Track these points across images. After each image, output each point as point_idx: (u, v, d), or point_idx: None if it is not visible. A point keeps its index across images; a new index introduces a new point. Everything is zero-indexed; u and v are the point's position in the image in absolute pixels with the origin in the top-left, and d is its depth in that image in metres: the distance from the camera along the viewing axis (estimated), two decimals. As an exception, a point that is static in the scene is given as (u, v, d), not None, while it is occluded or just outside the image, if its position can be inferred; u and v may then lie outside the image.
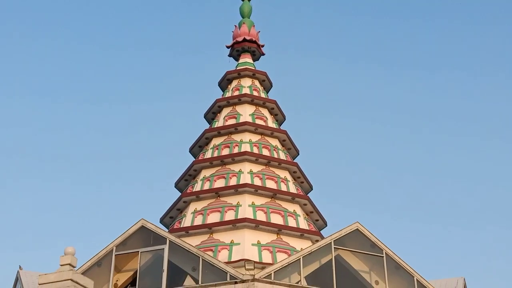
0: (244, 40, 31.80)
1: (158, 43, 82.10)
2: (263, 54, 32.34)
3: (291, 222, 25.49)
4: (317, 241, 23.09)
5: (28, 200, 72.68)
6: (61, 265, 17.40)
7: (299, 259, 20.83)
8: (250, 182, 26.03)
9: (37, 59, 76.17)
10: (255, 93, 30.13)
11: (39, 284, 17.27)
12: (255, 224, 24.42)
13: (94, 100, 76.23)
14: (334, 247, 21.37)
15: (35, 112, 71.16)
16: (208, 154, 28.30)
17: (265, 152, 27.87)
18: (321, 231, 26.70)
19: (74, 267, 17.69)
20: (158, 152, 72.76)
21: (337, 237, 21.57)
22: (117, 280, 21.76)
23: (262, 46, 32.29)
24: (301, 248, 22.24)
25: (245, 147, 27.58)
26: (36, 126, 70.90)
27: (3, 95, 71.84)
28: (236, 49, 32.10)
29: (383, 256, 21.79)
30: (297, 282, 20.33)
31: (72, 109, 74.13)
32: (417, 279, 21.58)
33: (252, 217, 24.71)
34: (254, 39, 31.96)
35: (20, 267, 23.42)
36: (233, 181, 26.34)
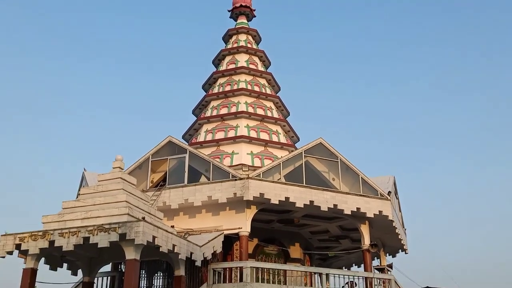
0: (241, 5, 31.52)
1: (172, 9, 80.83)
2: (255, 16, 32.04)
3: (275, 138, 26.11)
4: (292, 151, 23.73)
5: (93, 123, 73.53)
6: (113, 168, 17.67)
7: (280, 163, 21.55)
8: (245, 110, 26.46)
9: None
10: (248, 45, 30.18)
11: (98, 181, 17.68)
12: (249, 140, 25.06)
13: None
14: (304, 155, 22.08)
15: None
16: (215, 90, 28.59)
17: (256, 88, 28.17)
18: (295, 144, 27.38)
19: (122, 169, 17.89)
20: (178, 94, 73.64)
21: (306, 148, 22.25)
22: (152, 179, 22.41)
23: (254, 10, 31.94)
24: (281, 156, 22.89)
25: (242, 85, 27.87)
26: None
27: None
28: (235, 12, 31.80)
29: (338, 161, 22.57)
30: (278, 179, 21.13)
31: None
32: (361, 177, 22.45)
33: (247, 135, 25.33)
34: (248, 5, 31.64)
35: (84, 169, 23.96)
36: (233, 109, 26.74)
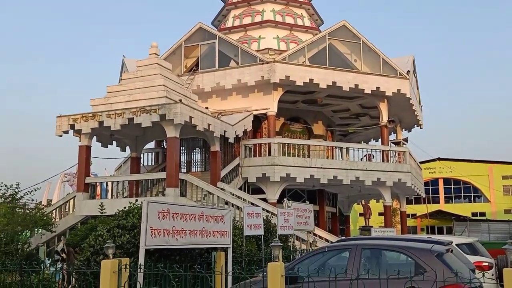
0: None
1: None
2: None
3: (299, 22, 25.19)
4: (316, 34, 23.08)
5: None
6: (150, 54, 17.72)
7: (304, 47, 21.13)
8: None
9: None
10: None
11: (137, 67, 17.85)
12: (275, 24, 24.28)
13: None
14: (328, 38, 21.51)
15: None
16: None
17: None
18: (319, 28, 26.49)
19: (158, 55, 17.95)
20: None
21: (330, 31, 21.59)
22: (186, 64, 22.46)
23: None
24: (306, 40, 22.33)
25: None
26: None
27: None
28: None
29: (360, 43, 21.94)
30: (303, 62, 20.87)
31: None
32: (382, 57, 21.93)
33: (273, 19, 24.50)
34: None
35: (124, 56, 24.08)
36: (259, -5, 25.56)
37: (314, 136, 23.98)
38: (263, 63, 20.01)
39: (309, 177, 19.48)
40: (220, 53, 21.10)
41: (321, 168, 19.72)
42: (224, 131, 17.64)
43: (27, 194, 15.35)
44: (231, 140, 18.47)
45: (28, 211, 15.06)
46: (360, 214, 41.29)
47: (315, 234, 16.29)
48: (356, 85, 20.82)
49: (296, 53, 20.86)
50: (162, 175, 16.69)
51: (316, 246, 14.62)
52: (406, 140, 25.90)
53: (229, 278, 8.14)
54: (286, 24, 24.49)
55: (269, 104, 20.44)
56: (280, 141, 19.78)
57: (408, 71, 22.41)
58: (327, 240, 16.34)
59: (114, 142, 19.44)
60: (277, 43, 23.79)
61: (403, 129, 27.62)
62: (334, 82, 20.48)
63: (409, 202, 31.67)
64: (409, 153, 22.37)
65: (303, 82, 20.05)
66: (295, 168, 19.23)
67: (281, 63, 19.93)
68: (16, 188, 14.92)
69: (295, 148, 19.99)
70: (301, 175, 19.27)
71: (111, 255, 7.06)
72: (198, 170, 22.01)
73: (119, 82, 19.26)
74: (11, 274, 8.80)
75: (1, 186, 14.87)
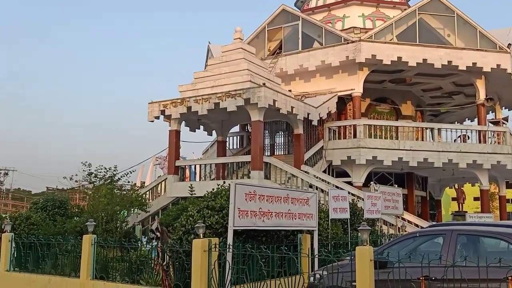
0: None
1: None
2: None
3: (386, -3, 24.10)
4: (405, 9, 21.99)
5: None
6: (234, 39, 18.03)
7: (392, 23, 20.25)
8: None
9: None
10: None
11: (222, 52, 18.24)
12: (360, 1, 23.42)
13: None
14: (418, 13, 20.41)
15: None
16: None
17: None
18: (408, 2, 25.15)
19: (242, 39, 18.22)
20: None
21: (421, 5, 20.44)
22: (269, 47, 22.51)
23: None
24: (393, 16, 21.38)
25: None
26: None
27: None
28: None
29: (454, 16, 20.55)
30: (390, 40, 20.05)
31: None
32: (479, 30, 20.40)
33: (357, -4, 23.66)
34: None
35: (209, 42, 24.67)
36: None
37: (402, 117, 23.01)
38: (348, 43, 19.52)
39: (397, 160, 18.83)
40: (303, 35, 20.89)
41: (410, 150, 18.96)
42: (308, 114, 17.54)
43: (123, 176, 16.45)
44: (315, 123, 18.33)
45: (125, 192, 16.15)
46: (453, 199, 39.25)
47: (403, 219, 15.77)
48: (449, 62, 19.61)
49: (383, 30, 20.06)
50: (247, 158, 17.06)
51: (405, 231, 14.15)
52: (506, 119, 24.01)
53: (316, 260, 8.16)
54: (372, 0, 23.55)
55: (354, 84, 19.94)
56: (366, 123, 19.27)
57: (509, 44, 20.61)
58: (416, 225, 15.76)
59: (201, 127, 20.17)
60: (362, 21, 23.01)
61: (503, 108, 25.61)
62: (424, 60, 19.45)
63: (509, 186, 29.40)
64: (510, 133, 20.71)
65: (391, 61, 19.28)
66: (382, 151, 18.68)
67: (367, 42, 19.30)
68: (114, 170, 16.02)
69: (382, 130, 19.39)
70: (388, 157, 18.69)
71: (201, 235, 7.38)
72: (282, 153, 22.17)
73: (205, 68, 19.86)
74: (112, 250, 9.56)
75: (101, 169, 16.05)
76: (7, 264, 10.83)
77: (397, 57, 19.29)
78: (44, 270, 10.13)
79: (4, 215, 18.54)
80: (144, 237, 12.54)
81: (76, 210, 18.21)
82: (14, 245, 10.89)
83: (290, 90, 19.48)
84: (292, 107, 16.69)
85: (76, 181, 18.64)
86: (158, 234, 9.43)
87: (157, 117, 17.82)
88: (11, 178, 59.70)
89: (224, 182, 9.69)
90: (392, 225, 15.16)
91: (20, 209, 36.24)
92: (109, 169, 16.10)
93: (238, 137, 23.36)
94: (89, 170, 15.51)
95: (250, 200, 7.68)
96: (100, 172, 15.81)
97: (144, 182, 29.10)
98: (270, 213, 7.99)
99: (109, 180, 15.77)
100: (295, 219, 8.48)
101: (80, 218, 14.99)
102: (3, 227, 11.77)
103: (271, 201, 8.05)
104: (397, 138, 19.41)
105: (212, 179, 17.71)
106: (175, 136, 17.84)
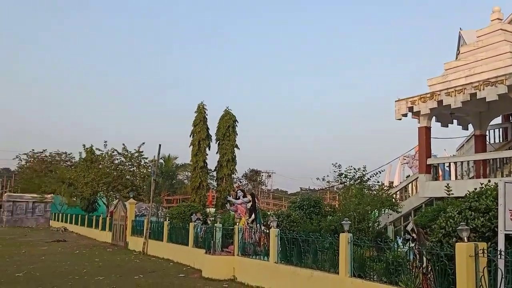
0: None
1: None
2: None
3: None
4: None
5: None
6: (491, 20, 16.18)
7: None
8: None
9: None
10: None
11: (477, 37, 16.54)
12: None
13: None
14: None
15: None
16: None
17: None
18: None
19: (501, 20, 16.26)
20: None
21: None
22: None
23: None
24: None
25: None
26: None
27: None
28: None
29: None
30: None
31: None
32: None
33: None
34: None
35: (460, 28, 22.44)
36: None
37: None
38: None
39: None
40: None
41: None
42: None
43: (372, 176, 16.56)
44: None
45: (375, 192, 16.23)
46: None
47: None
48: None
49: None
50: (514, 153, 14.96)
51: None
52: None
53: None
54: None
55: None
56: None
57: None
58: None
59: (455, 121, 18.70)
60: None
61: None
62: None
63: None
64: None
65: None
66: None
67: None
68: (364, 171, 16.29)
69: None
70: None
71: (465, 238, 6.80)
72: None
73: (456, 57, 18.37)
74: (368, 249, 9.68)
75: (351, 169, 16.53)
76: (275, 256, 12.17)
77: None
78: (306, 264, 10.98)
79: (268, 213, 20.97)
80: (399, 238, 12.30)
81: (329, 209, 19.26)
82: (279, 240, 12.17)
83: None
84: None
85: (327, 181, 19.69)
86: (414, 235, 9.09)
87: (405, 115, 17.31)
88: (271, 179, 67.51)
89: (489, 181, 8.68)
90: None
91: (280, 207, 40.34)
92: (358, 170, 16.48)
93: (500, 129, 20.73)
94: (339, 171, 16.20)
95: (526, 201, 6.66)
96: (350, 172, 16.31)
97: (392, 182, 28.70)
98: (552, 217, 6.76)
99: (359, 180, 16.13)
100: None
101: (333, 217, 15.76)
102: (269, 224, 13.26)
103: (554, 203, 6.80)
104: None
105: (471, 178, 16.17)
106: (425, 133, 17.02)
